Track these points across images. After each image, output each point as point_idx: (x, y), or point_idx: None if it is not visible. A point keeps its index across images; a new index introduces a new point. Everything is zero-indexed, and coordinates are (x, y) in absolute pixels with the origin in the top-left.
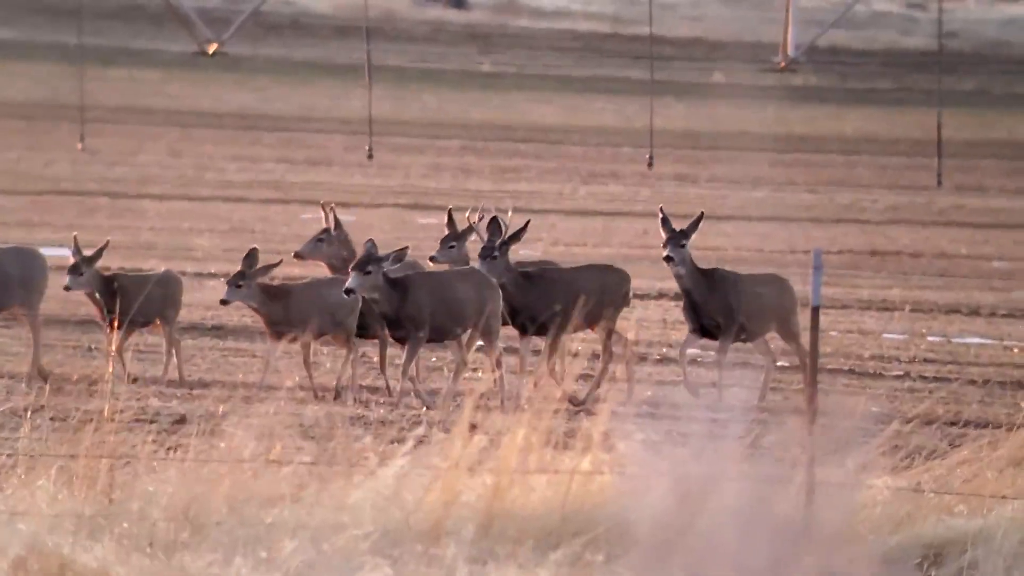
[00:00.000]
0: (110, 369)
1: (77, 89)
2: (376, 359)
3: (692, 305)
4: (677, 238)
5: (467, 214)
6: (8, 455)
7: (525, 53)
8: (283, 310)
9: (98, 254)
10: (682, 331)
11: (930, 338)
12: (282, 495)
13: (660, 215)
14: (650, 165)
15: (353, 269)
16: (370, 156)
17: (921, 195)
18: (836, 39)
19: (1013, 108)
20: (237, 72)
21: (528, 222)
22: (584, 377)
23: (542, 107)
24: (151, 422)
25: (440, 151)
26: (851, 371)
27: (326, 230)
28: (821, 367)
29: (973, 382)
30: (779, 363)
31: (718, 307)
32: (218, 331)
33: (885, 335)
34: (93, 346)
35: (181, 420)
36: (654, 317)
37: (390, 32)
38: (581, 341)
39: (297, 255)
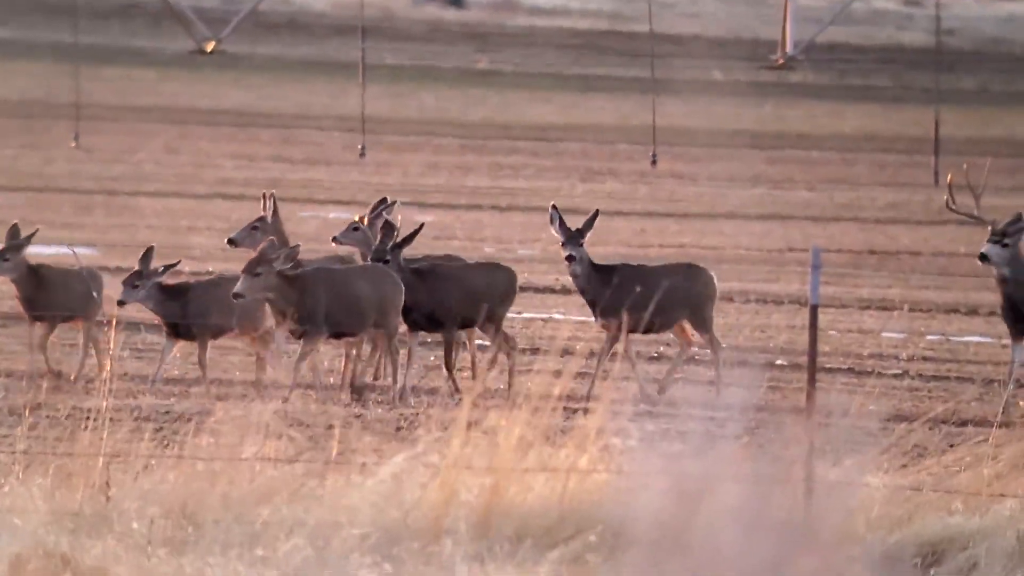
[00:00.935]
0: (108, 368)
1: (73, 87)
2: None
3: (591, 303)
4: (575, 237)
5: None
6: (6, 453)
7: (523, 51)
8: (181, 309)
9: (26, 240)
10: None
11: (929, 337)
12: (280, 494)
13: (551, 210)
14: (653, 163)
15: (243, 272)
16: (362, 154)
17: (920, 193)
18: (834, 36)
19: (1012, 106)
20: (234, 70)
21: (422, 225)
22: (581, 376)
23: (540, 105)
24: (148, 420)
25: (438, 149)
26: (850, 370)
27: (262, 218)
28: (820, 366)
29: (972, 381)
30: (778, 362)
31: (617, 302)
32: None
33: (884, 334)
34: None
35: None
36: None
37: (388, 30)
38: (581, 341)
39: (231, 241)
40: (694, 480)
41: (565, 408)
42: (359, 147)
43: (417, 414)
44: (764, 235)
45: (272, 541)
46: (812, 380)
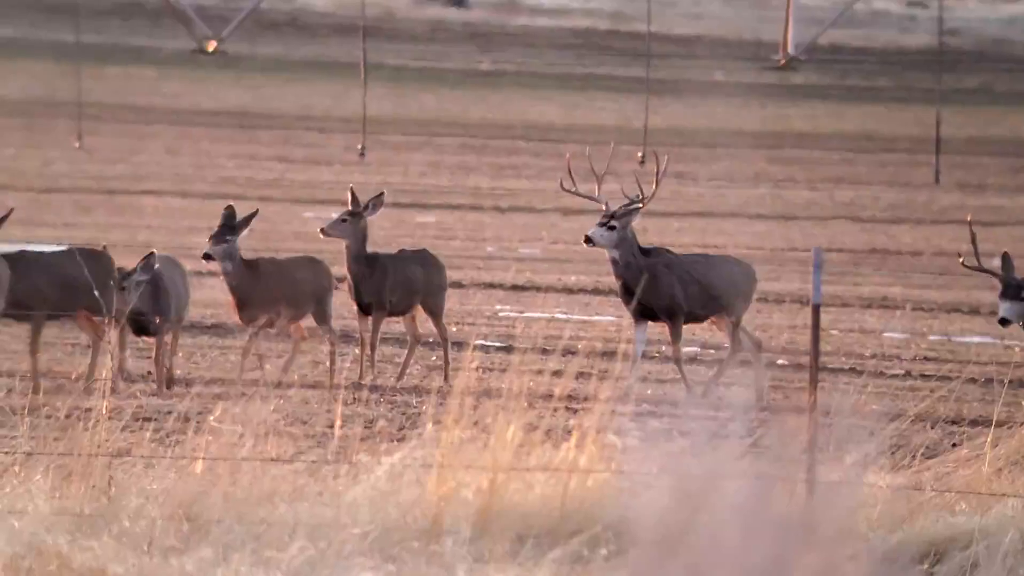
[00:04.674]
0: (108, 366)
1: (75, 87)
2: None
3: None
4: (222, 233)
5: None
6: (6, 453)
7: (524, 51)
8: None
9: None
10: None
11: (931, 337)
12: (280, 493)
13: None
14: (642, 163)
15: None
16: (362, 154)
17: (921, 193)
18: (836, 37)
19: (1014, 106)
20: (235, 70)
21: (256, 211)
22: (582, 375)
23: (541, 105)
24: (149, 420)
25: (439, 149)
26: (852, 370)
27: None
28: (822, 365)
29: (974, 380)
30: (779, 361)
31: (261, 297)
32: (217, 329)
33: (886, 333)
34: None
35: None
36: None
37: (389, 30)
38: (583, 340)
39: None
40: (695, 479)
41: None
42: (359, 147)
43: (418, 413)
44: (766, 235)
45: (273, 541)
46: (814, 380)
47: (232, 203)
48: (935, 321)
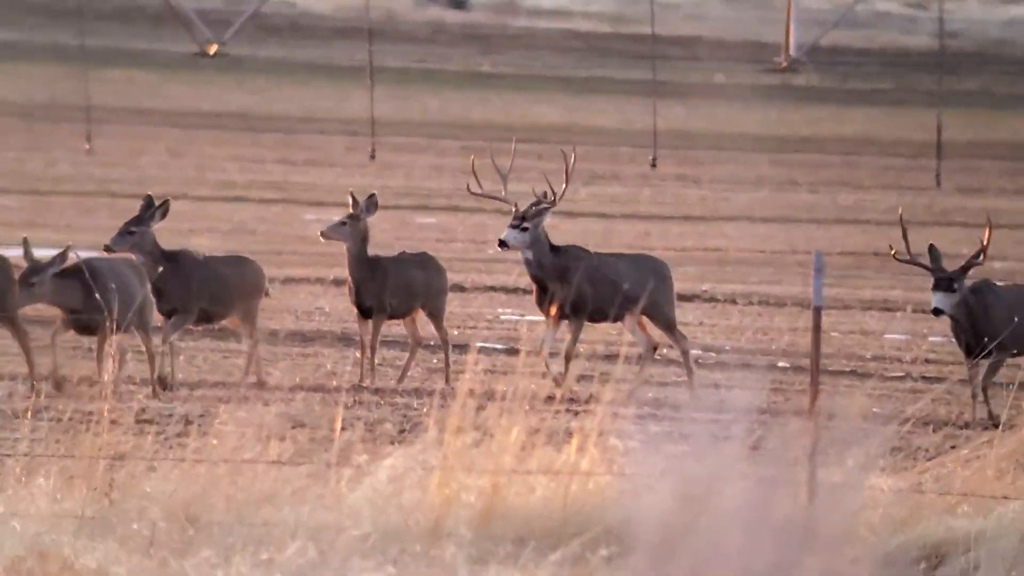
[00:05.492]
0: (110, 369)
1: (78, 90)
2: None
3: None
4: (129, 224)
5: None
6: (8, 455)
7: (525, 53)
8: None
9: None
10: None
11: (931, 339)
12: (282, 495)
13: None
14: (653, 165)
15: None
16: (372, 156)
17: (923, 196)
18: (837, 39)
19: (1015, 108)
20: (238, 73)
21: (166, 201)
22: (583, 378)
23: (543, 107)
24: (151, 422)
25: (441, 152)
26: (853, 372)
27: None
28: (823, 368)
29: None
30: (780, 364)
31: (177, 291)
32: (218, 332)
33: (887, 336)
34: (92, 347)
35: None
36: None
37: (390, 33)
38: (584, 343)
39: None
40: (696, 482)
41: (567, 410)
42: (369, 149)
43: (419, 416)
44: (767, 237)
45: (274, 543)
46: (815, 382)
47: (150, 193)
48: (936, 323)
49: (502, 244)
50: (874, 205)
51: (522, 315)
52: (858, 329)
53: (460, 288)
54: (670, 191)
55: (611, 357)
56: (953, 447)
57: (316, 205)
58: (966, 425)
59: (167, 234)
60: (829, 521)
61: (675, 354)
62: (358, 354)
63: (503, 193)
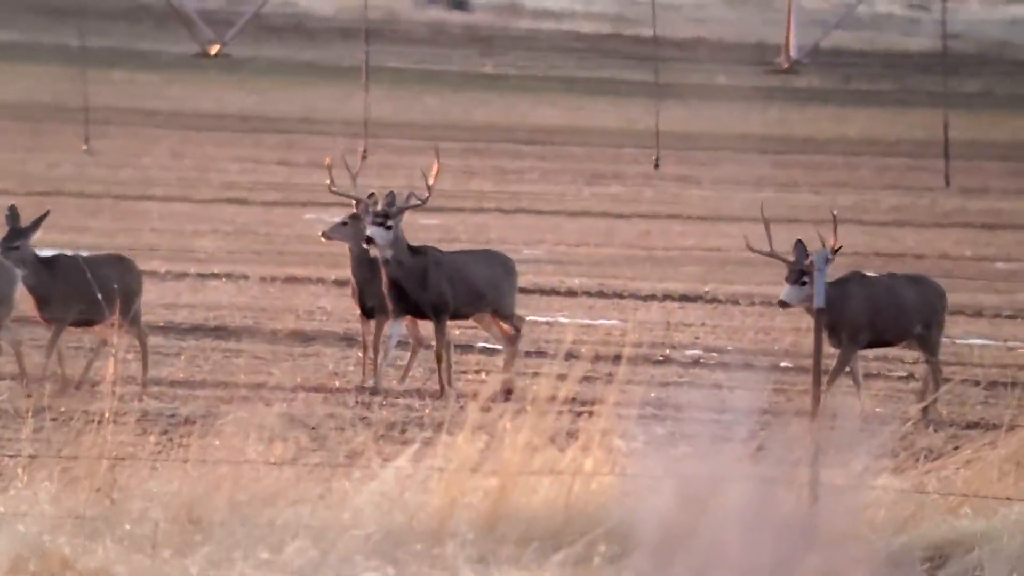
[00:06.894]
0: (111, 369)
1: (79, 91)
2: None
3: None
4: (10, 239)
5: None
6: (10, 456)
7: (527, 54)
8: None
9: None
10: (685, 332)
11: None
12: (284, 496)
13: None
14: (656, 166)
15: None
16: (364, 157)
17: (925, 196)
18: (839, 40)
19: (1017, 109)
20: (239, 74)
21: (47, 212)
22: (586, 379)
23: (544, 108)
24: (153, 422)
25: (442, 153)
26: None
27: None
28: (825, 368)
29: (976, 383)
30: (782, 364)
31: (61, 295)
32: (220, 332)
33: None
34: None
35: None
36: (656, 319)
37: (391, 34)
38: (586, 344)
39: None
40: (699, 483)
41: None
42: (360, 150)
43: (422, 416)
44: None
45: (277, 543)
46: (817, 383)
47: (14, 203)
48: None
49: (368, 241)
50: (876, 206)
51: (524, 315)
52: None
53: None
54: (672, 191)
55: (613, 358)
56: (955, 448)
57: (317, 206)
58: (969, 425)
59: (170, 236)
60: (831, 522)
61: (676, 354)
62: (360, 354)
63: (352, 190)
